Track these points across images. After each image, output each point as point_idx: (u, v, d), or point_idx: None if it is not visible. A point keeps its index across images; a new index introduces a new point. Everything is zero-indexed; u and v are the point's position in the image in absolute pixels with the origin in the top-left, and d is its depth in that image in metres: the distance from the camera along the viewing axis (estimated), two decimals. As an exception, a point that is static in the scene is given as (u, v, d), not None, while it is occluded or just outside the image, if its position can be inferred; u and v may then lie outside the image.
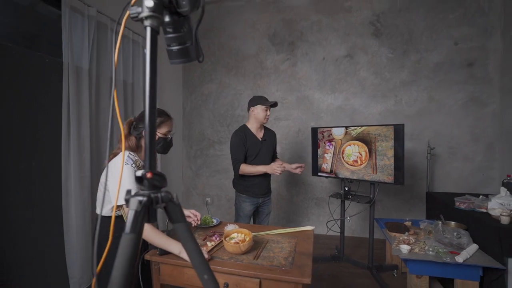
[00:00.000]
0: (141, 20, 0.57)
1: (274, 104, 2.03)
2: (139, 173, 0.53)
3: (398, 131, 2.09)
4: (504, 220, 1.69)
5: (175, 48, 0.69)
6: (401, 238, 1.96)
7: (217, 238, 1.36)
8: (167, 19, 0.62)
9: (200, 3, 0.66)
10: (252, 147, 2.00)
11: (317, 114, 3.40)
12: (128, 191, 0.54)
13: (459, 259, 1.62)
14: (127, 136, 1.22)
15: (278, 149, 2.25)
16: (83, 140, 2.10)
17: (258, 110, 1.99)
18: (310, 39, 3.38)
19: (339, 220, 2.61)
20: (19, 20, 1.92)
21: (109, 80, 2.41)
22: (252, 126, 2.05)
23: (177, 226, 0.57)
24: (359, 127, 2.34)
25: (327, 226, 2.57)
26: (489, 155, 2.95)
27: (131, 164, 1.14)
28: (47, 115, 1.93)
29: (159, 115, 1.25)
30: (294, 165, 1.98)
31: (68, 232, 2.00)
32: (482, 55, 2.92)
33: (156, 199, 0.53)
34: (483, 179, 2.97)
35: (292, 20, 3.43)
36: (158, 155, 2.61)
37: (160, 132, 1.25)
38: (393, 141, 2.12)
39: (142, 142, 1.23)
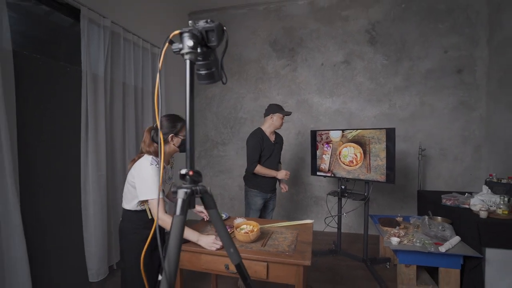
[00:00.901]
0: (182, 54, 0.75)
1: (289, 114, 2.28)
2: (183, 171, 0.71)
3: (390, 134, 2.28)
4: (483, 214, 1.88)
5: (203, 72, 0.88)
6: (392, 232, 2.15)
7: (228, 230, 1.53)
8: (198, 50, 0.80)
9: (225, 37, 0.85)
10: (267, 148, 2.22)
11: (316, 117, 3.59)
12: (175, 185, 0.72)
13: (442, 249, 1.81)
14: (150, 143, 1.37)
15: (280, 150, 2.48)
16: (99, 142, 2.27)
17: (277, 118, 2.22)
18: (309, 45, 3.56)
19: (336, 216, 2.80)
20: (36, 29, 2.03)
21: (121, 86, 2.58)
22: (267, 130, 2.26)
23: (210, 211, 0.75)
24: (355, 130, 2.53)
25: (325, 222, 2.75)
26: (477, 156, 3.14)
27: (156, 165, 1.31)
28: (67, 120, 2.09)
29: (179, 120, 1.41)
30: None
31: (87, 227, 2.17)
32: (470, 62, 3.11)
33: (196, 191, 0.71)
34: (471, 179, 3.17)
35: (292, 28, 3.61)
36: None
37: (182, 135, 1.41)
38: (385, 143, 2.31)
39: (166, 147, 1.39)
